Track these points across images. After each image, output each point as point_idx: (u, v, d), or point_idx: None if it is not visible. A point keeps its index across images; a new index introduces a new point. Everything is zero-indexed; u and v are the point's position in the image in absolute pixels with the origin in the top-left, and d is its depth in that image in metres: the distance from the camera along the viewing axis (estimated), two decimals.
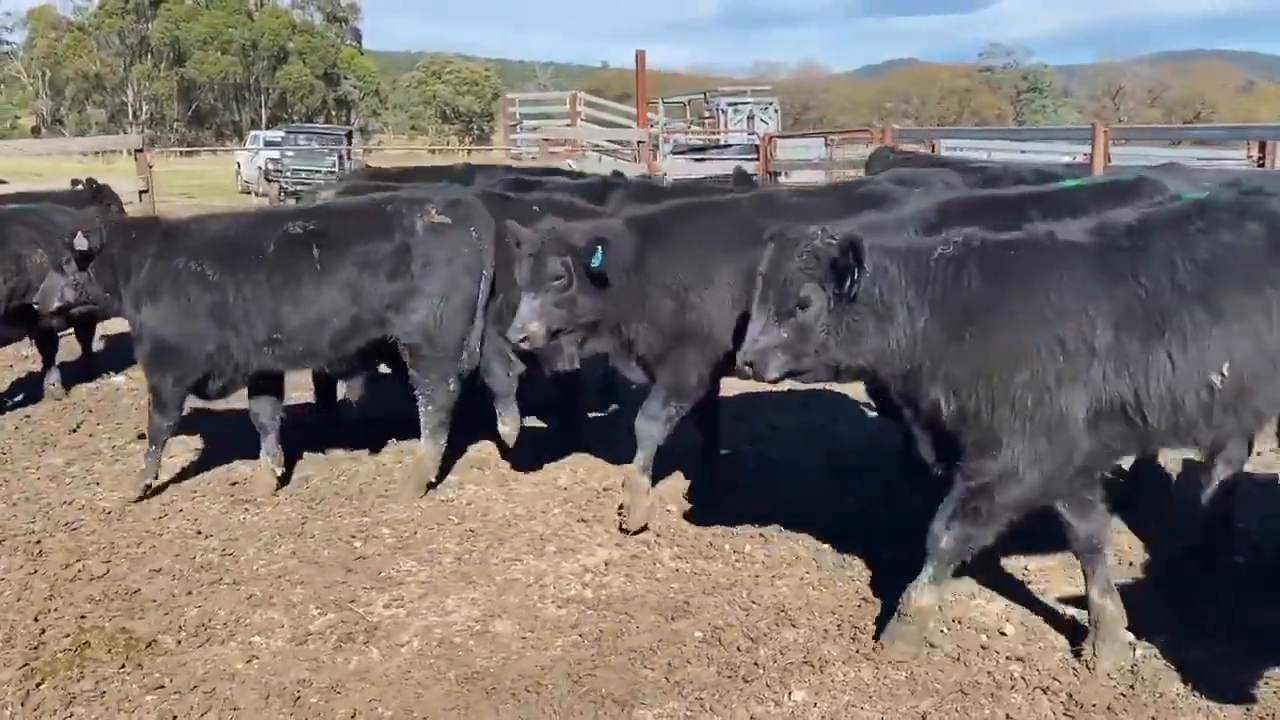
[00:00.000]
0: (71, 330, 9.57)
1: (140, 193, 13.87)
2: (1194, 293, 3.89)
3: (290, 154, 32.72)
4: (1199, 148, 18.61)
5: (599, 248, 5.19)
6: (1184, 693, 4.02)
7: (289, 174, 31.27)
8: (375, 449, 7.18)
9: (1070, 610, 4.63)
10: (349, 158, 32.53)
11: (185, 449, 7.13)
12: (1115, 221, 4.22)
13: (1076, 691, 4.04)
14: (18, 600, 5.01)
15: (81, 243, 6.09)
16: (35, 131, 76.09)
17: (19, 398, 8.99)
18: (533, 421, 7.78)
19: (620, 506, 5.76)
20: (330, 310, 6.08)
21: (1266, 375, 3.94)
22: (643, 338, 5.51)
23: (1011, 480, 3.98)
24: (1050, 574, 5.03)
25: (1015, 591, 4.89)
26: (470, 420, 6.93)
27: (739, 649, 4.43)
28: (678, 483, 6.37)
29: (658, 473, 5.87)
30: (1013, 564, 5.09)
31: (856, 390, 7.54)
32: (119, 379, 9.45)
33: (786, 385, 6.57)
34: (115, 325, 9.31)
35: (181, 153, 62.31)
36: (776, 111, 30.15)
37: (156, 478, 6.44)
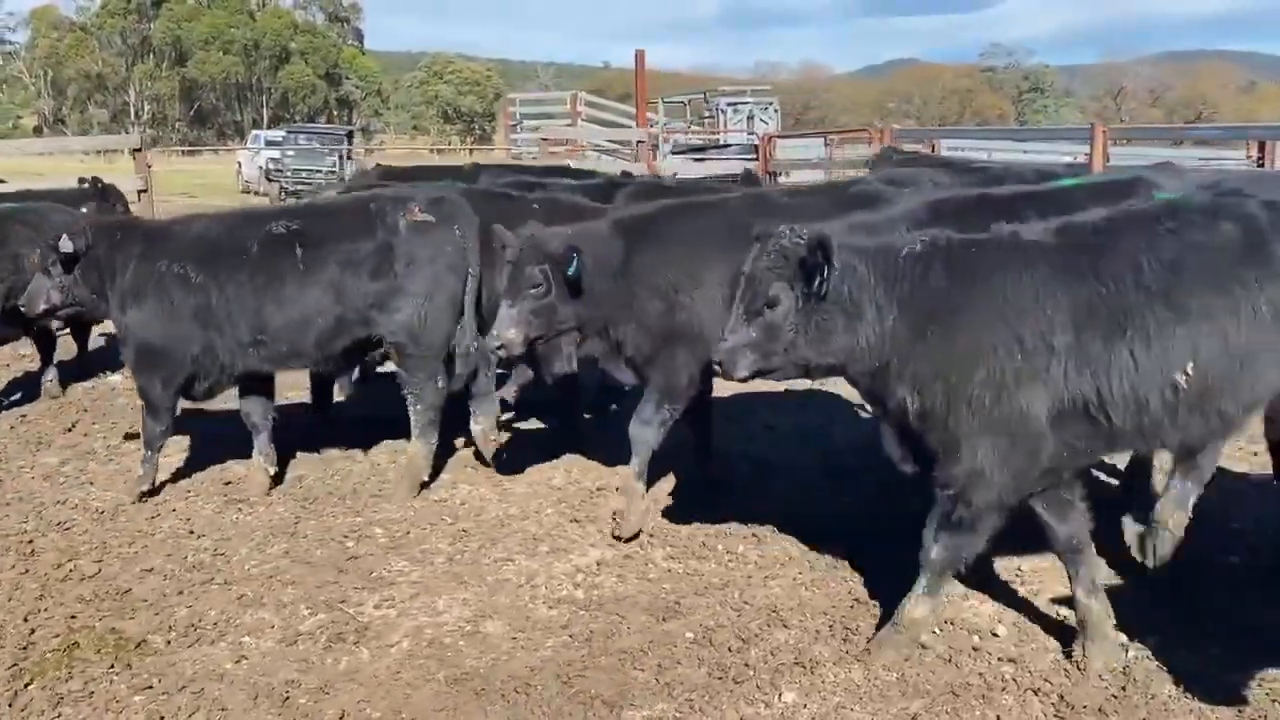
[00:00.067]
0: (67, 329, 9.57)
1: (139, 192, 13.87)
2: (1158, 292, 3.89)
3: (291, 154, 32.74)
4: (1201, 148, 18.59)
5: (575, 256, 5.15)
6: (1176, 694, 4.00)
7: (289, 173, 31.31)
8: (370, 448, 7.16)
9: (1063, 611, 4.61)
10: (349, 158, 32.53)
11: (179, 449, 7.11)
12: (1081, 221, 4.23)
13: (1068, 693, 4.02)
14: (8, 600, 5.00)
15: (66, 245, 6.08)
16: (37, 131, 76.20)
17: (16, 397, 8.99)
18: (530, 422, 7.81)
19: (615, 513, 5.73)
20: (314, 310, 6.06)
21: (1233, 376, 3.94)
22: (631, 339, 5.48)
23: (981, 482, 3.98)
24: (1044, 575, 5.01)
25: (1008, 592, 4.87)
26: (466, 421, 6.94)
27: (730, 650, 4.41)
28: (671, 483, 6.35)
29: (652, 473, 5.85)
30: (1006, 565, 5.06)
31: (853, 391, 7.51)
32: (115, 378, 9.43)
33: (783, 385, 6.62)
34: (113, 324, 9.30)
35: (183, 152, 62.37)
36: (776, 111, 30.12)
37: (154, 482, 6.43)
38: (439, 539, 5.71)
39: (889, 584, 4.52)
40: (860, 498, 6.09)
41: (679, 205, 6.01)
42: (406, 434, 6.48)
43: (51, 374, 9.01)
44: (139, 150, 14.94)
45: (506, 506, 6.16)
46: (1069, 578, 4.27)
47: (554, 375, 7.12)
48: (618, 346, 5.53)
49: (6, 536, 5.79)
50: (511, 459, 6.82)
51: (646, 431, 5.58)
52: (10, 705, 4.09)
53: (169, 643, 4.60)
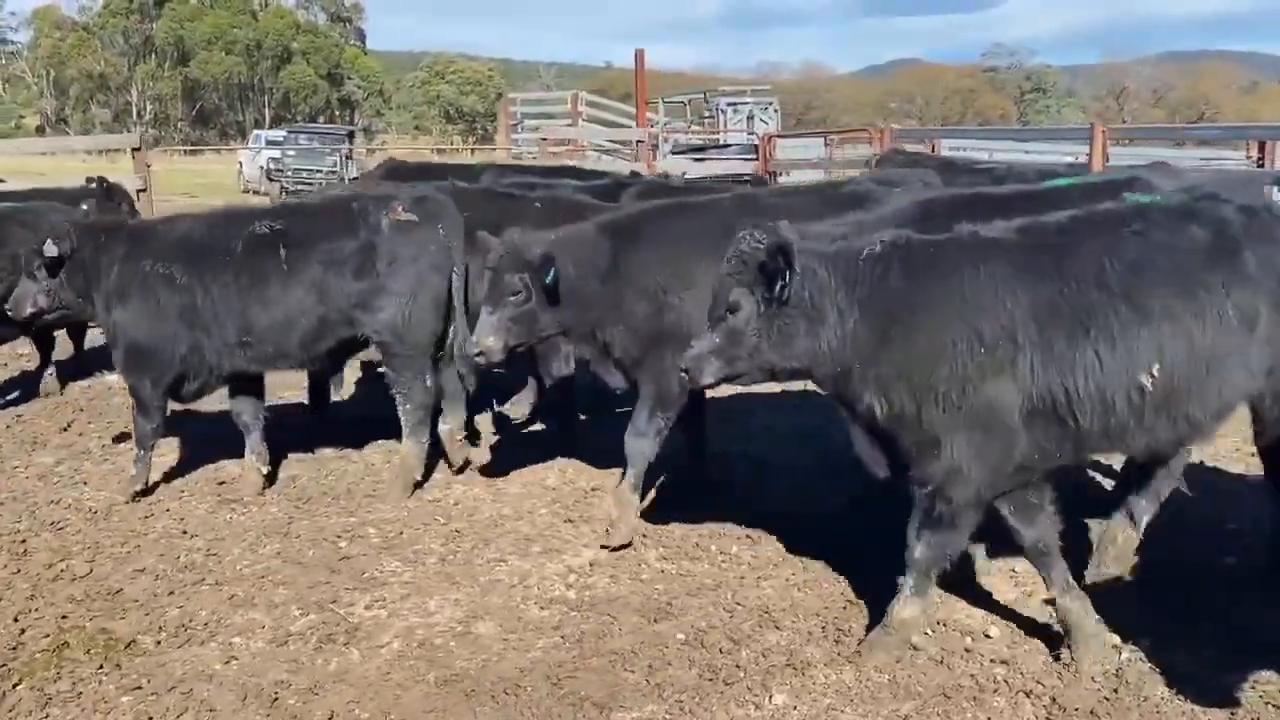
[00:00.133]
0: (64, 329, 9.55)
1: (139, 191, 13.82)
2: (1121, 292, 3.91)
3: (292, 153, 32.72)
4: (1203, 148, 18.55)
5: (552, 264, 5.12)
6: (1168, 696, 3.98)
7: (290, 173, 31.29)
8: (364, 448, 7.15)
9: (1056, 613, 4.58)
10: (350, 157, 32.54)
11: (173, 449, 7.10)
12: (1045, 220, 4.25)
13: (1060, 695, 4.00)
14: None
15: (51, 249, 6.07)
16: (40, 131, 76.19)
17: (12, 396, 8.98)
18: (525, 422, 7.80)
19: (610, 523, 5.66)
20: (298, 310, 6.05)
21: (1200, 379, 3.96)
22: (619, 341, 5.43)
23: (958, 478, 3.98)
24: (1037, 577, 4.97)
25: (1002, 594, 4.85)
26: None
27: (721, 651, 4.40)
28: (666, 483, 6.32)
29: (648, 473, 5.82)
30: (1000, 566, 5.04)
31: None
32: (112, 378, 9.39)
33: (780, 386, 6.59)
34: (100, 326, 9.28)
35: (185, 152, 62.39)
36: (776, 111, 30.06)
37: (147, 482, 6.42)
38: (432, 539, 5.70)
39: (883, 585, 4.49)
40: (857, 498, 6.06)
41: (667, 206, 5.99)
42: (401, 434, 6.47)
43: (50, 373, 9.01)
44: (138, 150, 14.91)
45: (500, 507, 6.15)
46: (1044, 581, 4.27)
47: (552, 376, 7.12)
48: (606, 349, 5.48)
49: None
50: (506, 459, 6.81)
51: (642, 444, 5.55)
52: None
53: (159, 643, 4.59)
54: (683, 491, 6.17)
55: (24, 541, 5.70)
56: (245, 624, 4.76)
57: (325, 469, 6.85)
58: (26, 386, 9.12)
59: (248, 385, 6.45)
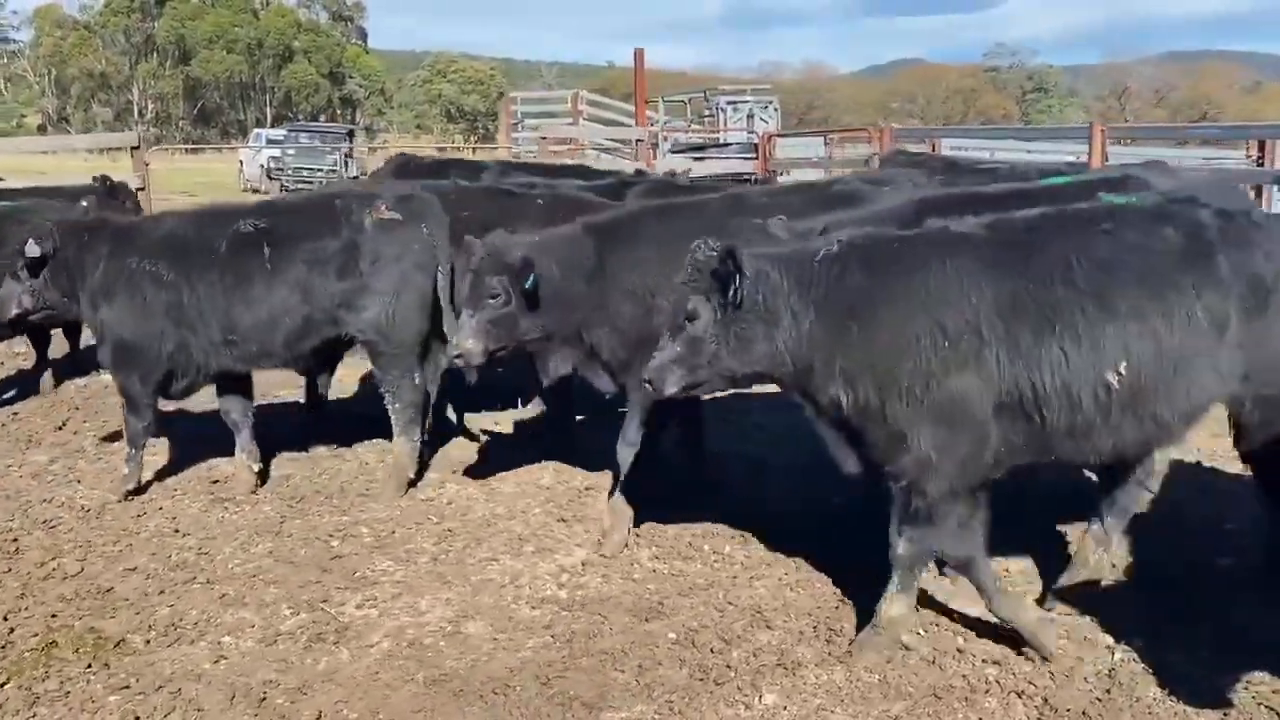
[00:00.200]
0: (60, 327, 9.54)
1: (137, 190, 13.84)
2: (1090, 290, 3.93)
3: (292, 152, 32.79)
4: (1205, 147, 18.51)
5: (532, 269, 5.08)
6: (1161, 697, 3.96)
7: (290, 172, 31.33)
8: (358, 447, 7.13)
9: (1049, 614, 4.57)
10: (351, 156, 32.59)
11: (167, 448, 7.08)
12: (1014, 217, 4.28)
13: (1052, 696, 3.98)
14: None
15: (33, 249, 6.05)
16: (41, 130, 76.26)
17: (9, 395, 8.97)
18: (520, 421, 7.77)
19: (602, 533, 5.64)
20: (281, 309, 6.03)
21: (1168, 380, 3.98)
22: (606, 344, 5.37)
23: (930, 471, 4.00)
24: (1031, 576, 4.98)
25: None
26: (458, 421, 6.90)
27: (712, 651, 4.37)
28: (661, 482, 6.29)
29: (642, 470, 5.80)
30: (994, 567, 5.00)
31: None
32: (108, 376, 9.40)
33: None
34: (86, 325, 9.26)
35: (187, 151, 62.43)
36: (776, 110, 30.04)
37: (139, 481, 6.41)
38: (424, 538, 5.68)
39: (877, 584, 4.46)
40: (852, 497, 6.03)
41: (654, 207, 5.96)
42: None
43: (47, 372, 9.01)
44: (136, 148, 14.93)
45: (493, 506, 6.13)
46: (978, 589, 4.29)
47: (549, 376, 7.09)
48: (594, 352, 5.41)
49: None
50: (501, 458, 6.78)
51: (633, 453, 5.54)
52: None
53: (148, 642, 4.57)
54: (677, 491, 6.14)
55: (16, 540, 5.68)
56: (235, 623, 4.74)
57: (319, 467, 6.83)
58: (23, 385, 9.10)
59: (236, 384, 6.43)
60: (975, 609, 4.54)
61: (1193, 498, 5.87)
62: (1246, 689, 3.97)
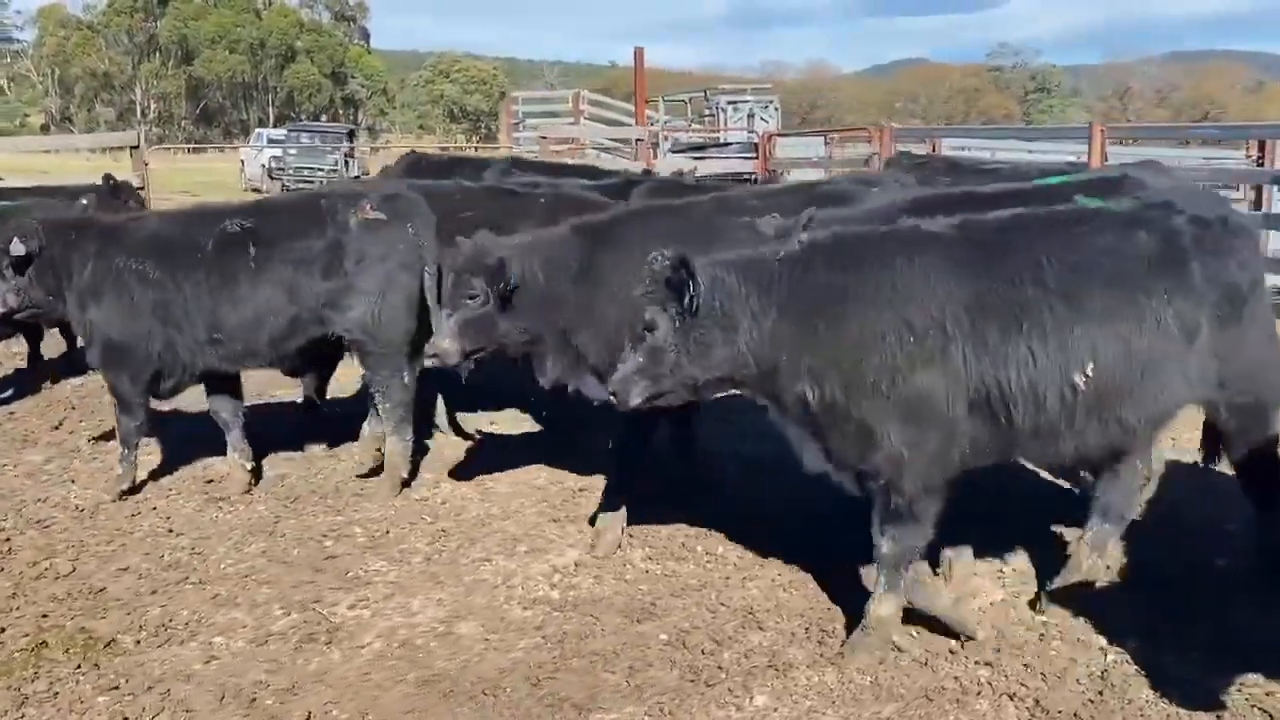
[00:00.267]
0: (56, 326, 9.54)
1: (137, 189, 13.84)
2: (1058, 291, 3.95)
3: (293, 152, 32.84)
4: (1207, 147, 18.46)
5: (507, 271, 5.04)
6: (1153, 699, 3.94)
7: (291, 171, 31.36)
8: (354, 447, 7.09)
9: (1042, 616, 4.56)
10: (352, 156, 32.60)
11: (161, 447, 7.07)
12: (985, 218, 4.29)
13: (1044, 698, 3.97)
14: None
15: (18, 248, 6.03)
16: (44, 129, 76.32)
17: (6, 394, 8.96)
18: (515, 420, 7.75)
19: (596, 533, 5.62)
20: (266, 308, 6.02)
21: (1134, 384, 4.00)
22: (594, 348, 5.30)
23: (901, 467, 4.02)
24: (1025, 578, 4.95)
25: (988, 595, 4.80)
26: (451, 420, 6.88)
27: (703, 652, 4.36)
28: (654, 482, 6.27)
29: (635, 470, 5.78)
30: (987, 568, 5.01)
31: None
32: None
33: None
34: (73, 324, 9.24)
35: (189, 150, 62.45)
36: (776, 110, 30.03)
37: (134, 480, 6.40)
38: (418, 538, 5.67)
39: (869, 586, 4.46)
40: (847, 498, 6.00)
41: (643, 209, 5.94)
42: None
43: (43, 372, 9.02)
44: (136, 148, 14.93)
45: (488, 506, 6.12)
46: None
47: (545, 376, 7.06)
48: (581, 357, 5.35)
49: None
50: (495, 458, 6.77)
51: (626, 454, 5.51)
52: None
53: (139, 642, 4.56)
54: (671, 491, 6.12)
55: (9, 540, 5.67)
56: (227, 623, 4.73)
57: (314, 467, 6.82)
58: (19, 384, 9.09)
59: (224, 384, 6.43)
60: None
61: (1190, 498, 5.83)
62: (1240, 691, 3.95)
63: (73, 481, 6.66)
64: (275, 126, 51.56)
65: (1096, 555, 4.70)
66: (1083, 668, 4.16)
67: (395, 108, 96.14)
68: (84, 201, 9.50)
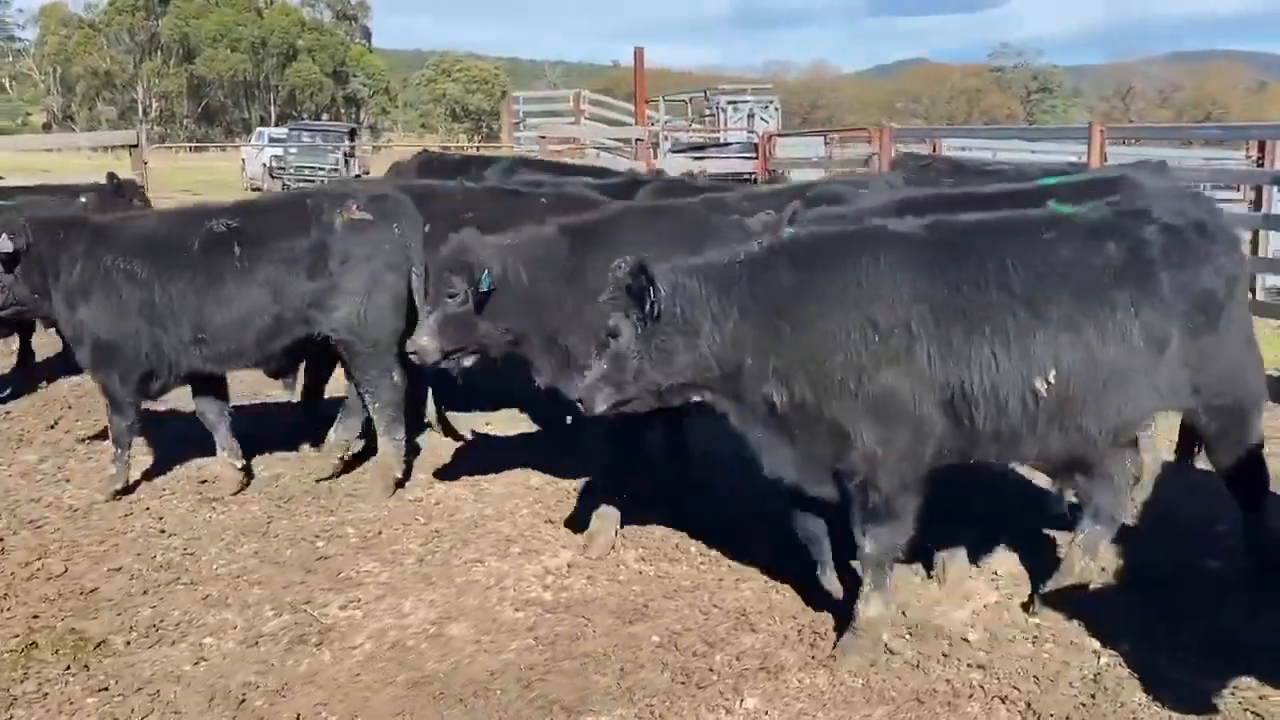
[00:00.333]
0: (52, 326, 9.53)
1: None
2: (1022, 296, 3.95)
3: (294, 151, 32.76)
4: (1209, 147, 18.43)
5: (483, 271, 5.03)
6: (1145, 702, 3.92)
7: (292, 170, 31.32)
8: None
9: (1035, 619, 4.54)
10: (353, 155, 32.57)
11: (155, 447, 7.05)
12: (953, 220, 4.30)
13: (1036, 700, 3.95)
14: None
15: (5, 245, 6.01)
16: (46, 128, 76.40)
17: (3, 393, 8.95)
18: (511, 421, 7.74)
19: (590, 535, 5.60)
20: (252, 309, 6.01)
21: (1097, 392, 4.00)
22: (582, 349, 5.20)
23: (876, 465, 4.02)
24: (1019, 580, 4.94)
25: (982, 597, 4.79)
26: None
27: (695, 654, 4.35)
28: (648, 483, 6.25)
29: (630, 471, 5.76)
30: (981, 570, 4.99)
31: None
32: None
33: None
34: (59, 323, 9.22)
35: (190, 149, 62.45)
36: (777, 110, 30.00)
37: (127, 480, 6.39)
38: (411, 539, 5.65)
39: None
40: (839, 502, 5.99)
41: (632, 209, 5.92)
42: None
43: (40, 370, 9.03)
44: (135, 146, 14.94)
45: (481, 507, 6.10)
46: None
47: (541, 376, 7.05)
48: (569, 358, 5.30)
49: None
50: (490, 458, 6.75)
51: (620, 454, 5.49)
52: None
53: (129, 643, 4.55)
54: (665, 492, 6.10)
55: (1, 540, 5.65)
56: (217, 624, 4.72)
57: (308, 468, 6.79)
58: (16, 384, 9.08)
59: (209, 384, 6.42)
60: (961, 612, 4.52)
61: (1184, 499, 5.81)
62: (1233, 694, 3.93)
63: (67, 481, 6.65)
64: (277, 125, 51.52)
65: (1089, 557, 4.68)
66: (1075, 670, 4.14)
67: (397, 107, 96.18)
68: (83, 200, 9.50)
